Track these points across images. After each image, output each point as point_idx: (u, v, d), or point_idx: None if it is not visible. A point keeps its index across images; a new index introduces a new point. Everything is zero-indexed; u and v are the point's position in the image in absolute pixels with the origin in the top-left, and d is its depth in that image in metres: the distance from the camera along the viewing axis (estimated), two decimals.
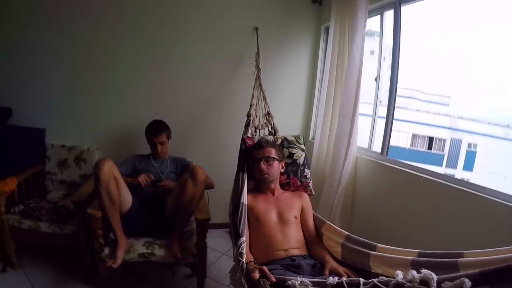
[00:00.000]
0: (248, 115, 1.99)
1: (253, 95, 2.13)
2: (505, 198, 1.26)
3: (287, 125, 2.60)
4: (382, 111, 2.08)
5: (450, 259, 0.95)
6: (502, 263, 0.70)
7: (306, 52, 2.73)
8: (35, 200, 2.03)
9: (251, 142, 1.77)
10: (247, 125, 1.94)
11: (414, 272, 0.76)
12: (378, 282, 0.83)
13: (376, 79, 2.13)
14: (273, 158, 1.63)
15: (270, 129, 2.10)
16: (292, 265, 1.36)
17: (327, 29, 2.44)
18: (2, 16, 2.11)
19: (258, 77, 2.22)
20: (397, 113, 2.00)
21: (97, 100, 2.35)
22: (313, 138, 2.66)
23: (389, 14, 2.01)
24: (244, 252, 1.26)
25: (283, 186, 1.74)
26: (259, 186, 1.68)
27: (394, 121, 1.99)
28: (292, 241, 1.47)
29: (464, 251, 0.96)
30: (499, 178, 6.06)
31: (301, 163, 1.78)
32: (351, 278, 0.95)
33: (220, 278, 1.98)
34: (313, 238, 1.56)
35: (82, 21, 2.22)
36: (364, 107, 2.09)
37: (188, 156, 2.29)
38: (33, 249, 1.99)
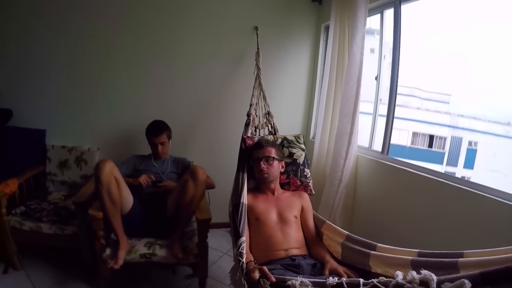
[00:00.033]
0: (248, 115, 1.99)
1: (253, 95, 2.13)
2: (505, 197, 1.26)
3: (287, 124, 2.59)
4: (383, 109, 2.08)
5: (450, 259, 0.94)
6: (502, 264, 0.70)
7: (306, 51, 2.72)
8: (36, 201, 2.03)
9: (251, 142, 1.77)
10: (247, 125, 1.94)
11: (414, 273, 0.76)
12: (378, 282, 0.83)
13: (376, 78, 2.13)
14: (273, 157, 1.63)
15: (270, 129, 2.10)
16: (292, 265, 1.37)
17: (327, 28, 2.43)
18: (2, 16, 2.11)
19: (258, 77, 2.22)
20: (398, 111, 1.99)
21: (97, 101, 2.35)
22: (313, 138, 2.66)
23: (389, 13, 2.00)
24: (244, 252, 1.26)
25: (283, 185, 1.74)
26: (259, 186, 1.68)
27: (394, 119, 1.99)
28: (292, 241, 1.47)
29: (464, 251, 0.95)
30: (500, 176, 6.06)
31: (301, 163, 1.78)
32: (351, 279, 0.95)
33: (222, 277, 1.98)
34: (313, 238, 1.56)
35: (82, 21, 2.22)
36: (365, 105, 2.08)
37: (189, 156, 2.29)
38: (34, 250, 2.00)
